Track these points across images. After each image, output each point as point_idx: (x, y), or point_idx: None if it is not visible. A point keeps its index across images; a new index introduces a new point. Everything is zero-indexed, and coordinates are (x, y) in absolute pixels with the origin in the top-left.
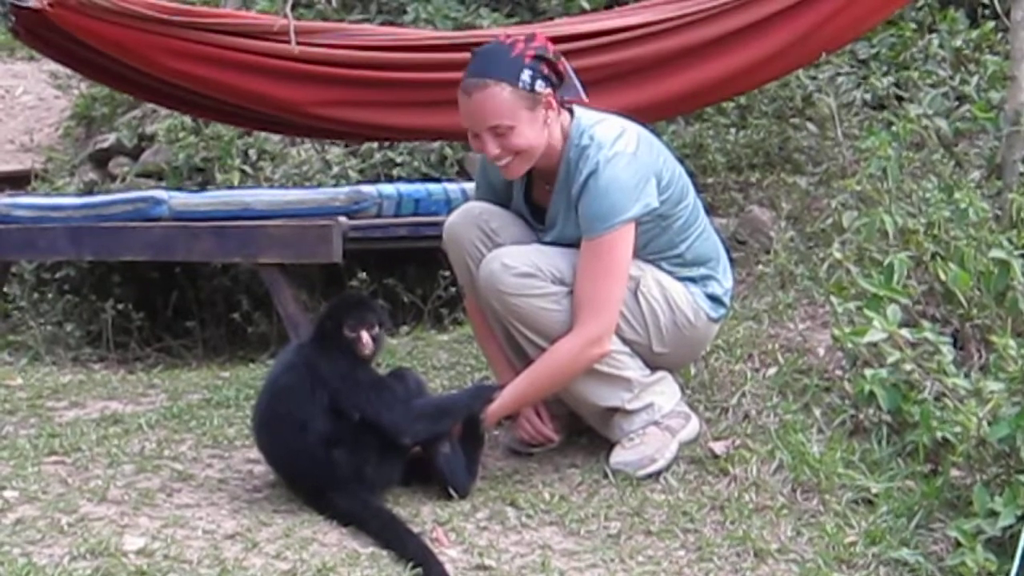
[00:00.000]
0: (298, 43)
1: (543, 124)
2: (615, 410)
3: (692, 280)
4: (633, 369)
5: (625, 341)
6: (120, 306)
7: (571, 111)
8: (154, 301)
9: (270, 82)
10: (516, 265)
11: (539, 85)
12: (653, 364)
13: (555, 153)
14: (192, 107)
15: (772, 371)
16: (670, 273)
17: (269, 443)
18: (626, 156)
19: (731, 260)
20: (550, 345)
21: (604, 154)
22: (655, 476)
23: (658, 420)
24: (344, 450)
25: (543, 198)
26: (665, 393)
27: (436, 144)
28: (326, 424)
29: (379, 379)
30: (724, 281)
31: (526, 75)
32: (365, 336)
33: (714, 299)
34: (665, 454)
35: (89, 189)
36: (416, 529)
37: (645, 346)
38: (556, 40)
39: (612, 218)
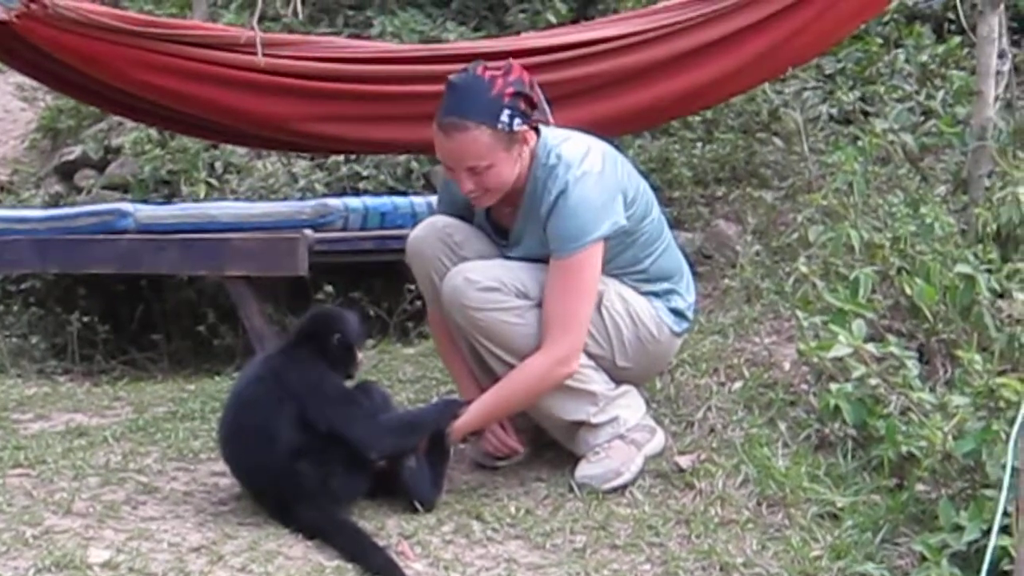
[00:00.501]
0: (264, 55)
1: (517, 158)
2: (580, 424)
3: (655, 295)
4: (598, 383)
5: (590, 355)
6: (86, 319)
7: (537, 129)
8: (120, 314)
9: (236, 94)
10: (479, 279)
11: (517, 124)
12: (617, 378)
13: (522, 174)
14: (158, 119)
15: (738, 385)
16: (633, 288)
17: (235, 455)
18: (594, 175)
19: (695, 274)
20: (514, 359)
21: (573, 174)
22: (621, 490)
23: (623, 434)
24: (310, 462)
25: (504, 218)
26: (631, 407)
27: (402, 158)
28: (292, 436)
29: (347, 392)
30: (687, 295)
31: (505, 115)
32: (360, 355)
33: (677, 313)
34: (631, 468)
35: (55, 202)
36: (382, 543)
37: (609, 360)
38: (522, 54)
39: (582, 238)
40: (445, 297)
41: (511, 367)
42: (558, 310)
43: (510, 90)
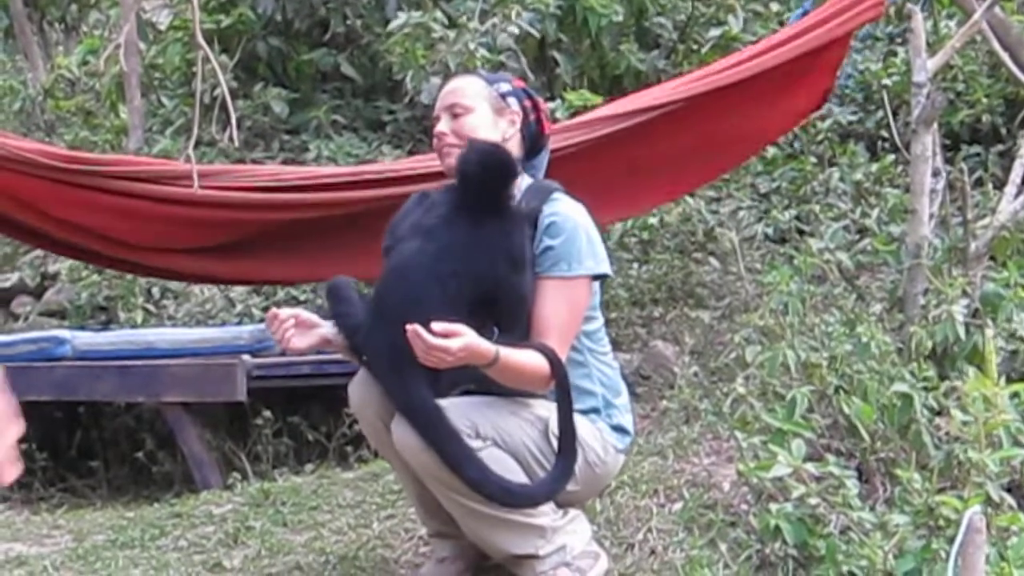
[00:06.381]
0: (201, 186)
1: (500, 133)
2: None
3: (596, 411)
4: (547, 515)
5: None
6: (23, 446)
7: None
8: (58, 441)
9: (173, 228)
10: None
11: (511, 100)
12: (564, 502)
13: None
14: (84, 255)
15: (678, 506)
16: (577, 409)
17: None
18: (583, 219)
19: (634, 395)
20: (468, 500)
21: (559, 208)
22: None
23: (569, 561)
24: None
25: None
26: (577, 532)
27: None
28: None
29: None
30: (625, 409)
31: (504, 86)
32: None
33: (619, 430)
34: None
35: None
36: None
37: None
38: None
39: (577, 263)
40: (397, 440)
41: (463, 507)
42: (553, 321)
43: (523, 86)
